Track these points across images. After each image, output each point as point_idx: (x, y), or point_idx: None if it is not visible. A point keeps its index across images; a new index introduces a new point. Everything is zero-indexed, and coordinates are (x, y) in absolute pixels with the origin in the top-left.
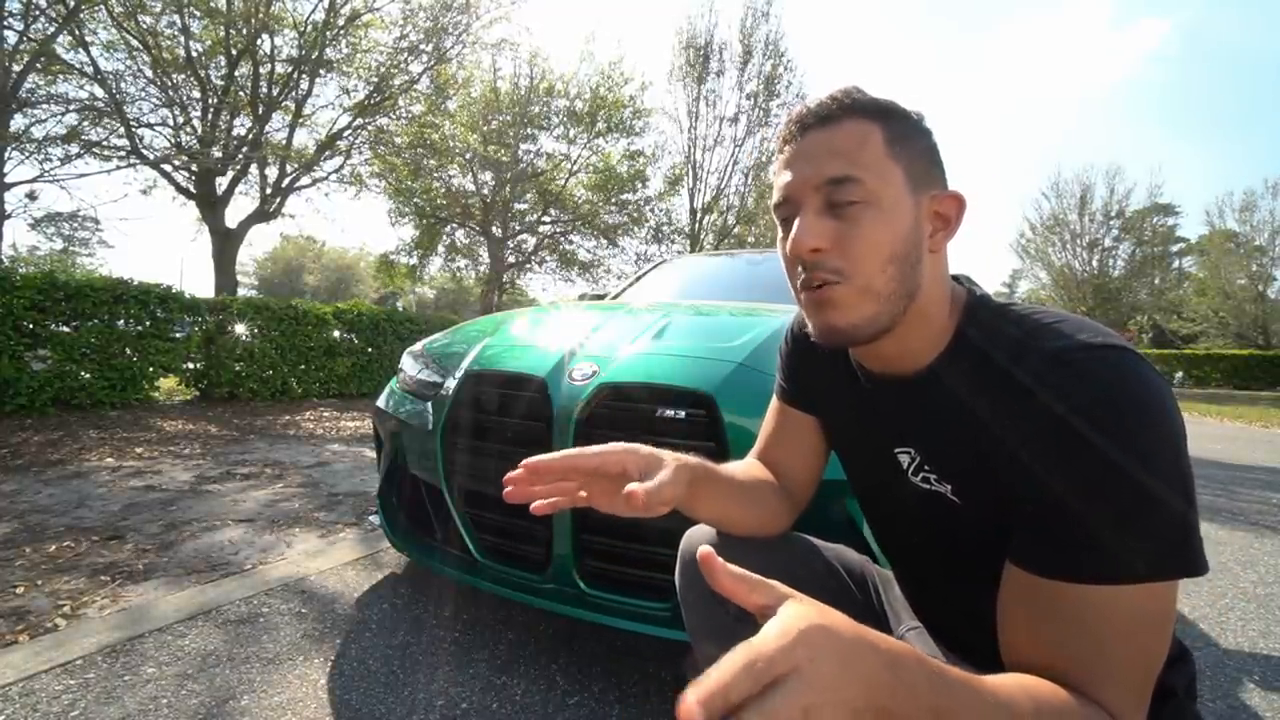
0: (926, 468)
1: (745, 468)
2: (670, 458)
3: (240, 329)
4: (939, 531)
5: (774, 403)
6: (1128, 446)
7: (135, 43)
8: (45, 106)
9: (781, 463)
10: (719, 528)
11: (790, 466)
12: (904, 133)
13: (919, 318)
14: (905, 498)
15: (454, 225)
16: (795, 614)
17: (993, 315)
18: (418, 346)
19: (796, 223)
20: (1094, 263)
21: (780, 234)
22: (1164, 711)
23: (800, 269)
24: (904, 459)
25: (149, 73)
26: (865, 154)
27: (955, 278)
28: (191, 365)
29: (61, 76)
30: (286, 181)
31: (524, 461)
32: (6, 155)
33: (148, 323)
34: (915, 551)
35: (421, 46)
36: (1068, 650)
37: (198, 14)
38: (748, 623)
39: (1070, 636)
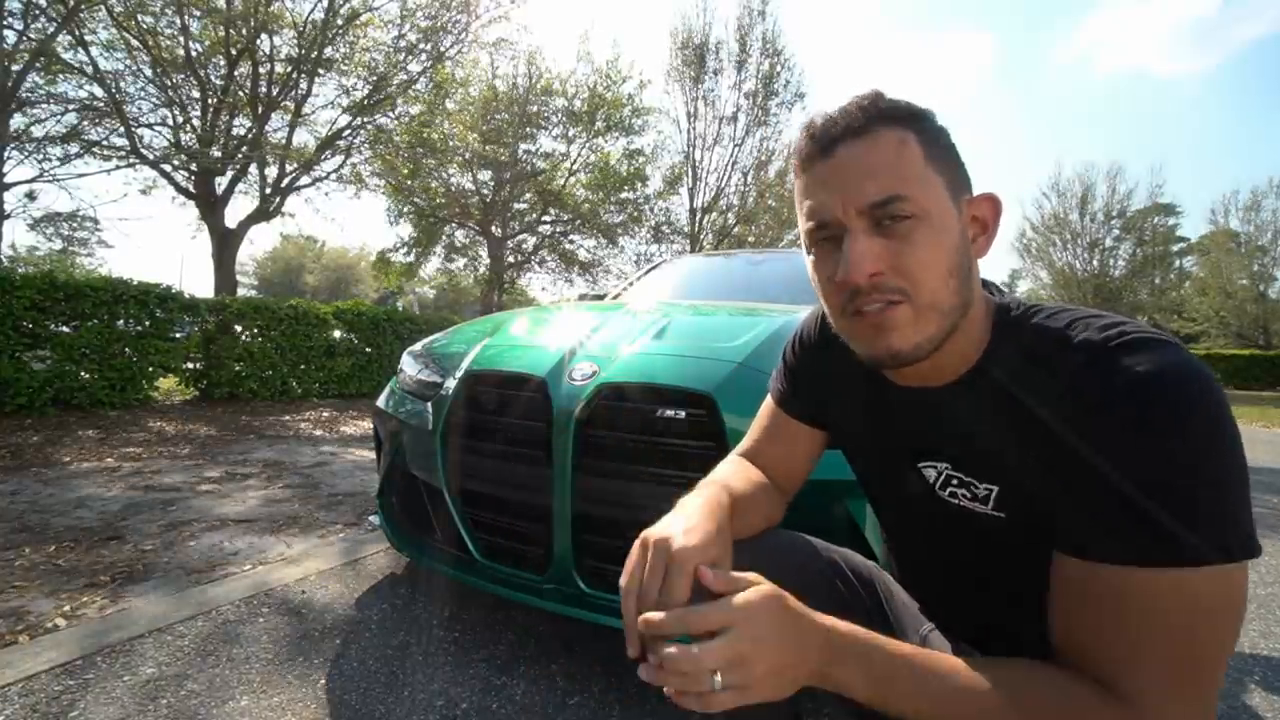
0: (956, 481)
1: (739, 473)
2: (715, 527)
3: (240, 329)
4: (965, 545)
5: (769, 405)
6: (1182, 430)
7: (135, 42)
8: (45, 106)
9: (772, 464)
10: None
11: (781, 470)
12: (935, 137)
13: (962, 327)
14: (930, 512)
15: (454, 225)
16: (752, 589)
17: (1025, 315)
18: (418, 346)
19: (847, 248)
20: (1095, 262)
21: (813, 255)
22: None
23: (849, 295)
24: (930, 473)
25: (149, 72)
26: (906, 167)
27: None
28: (191, 365)
29: (61, 76)
30: (286, 181)
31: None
32: (6, 155)
33: (147, 323)
34: (934, 563)
35: (420, 46)
36: (1099, 635)
37: (197, 13)
38: None
39: (1101, 621)
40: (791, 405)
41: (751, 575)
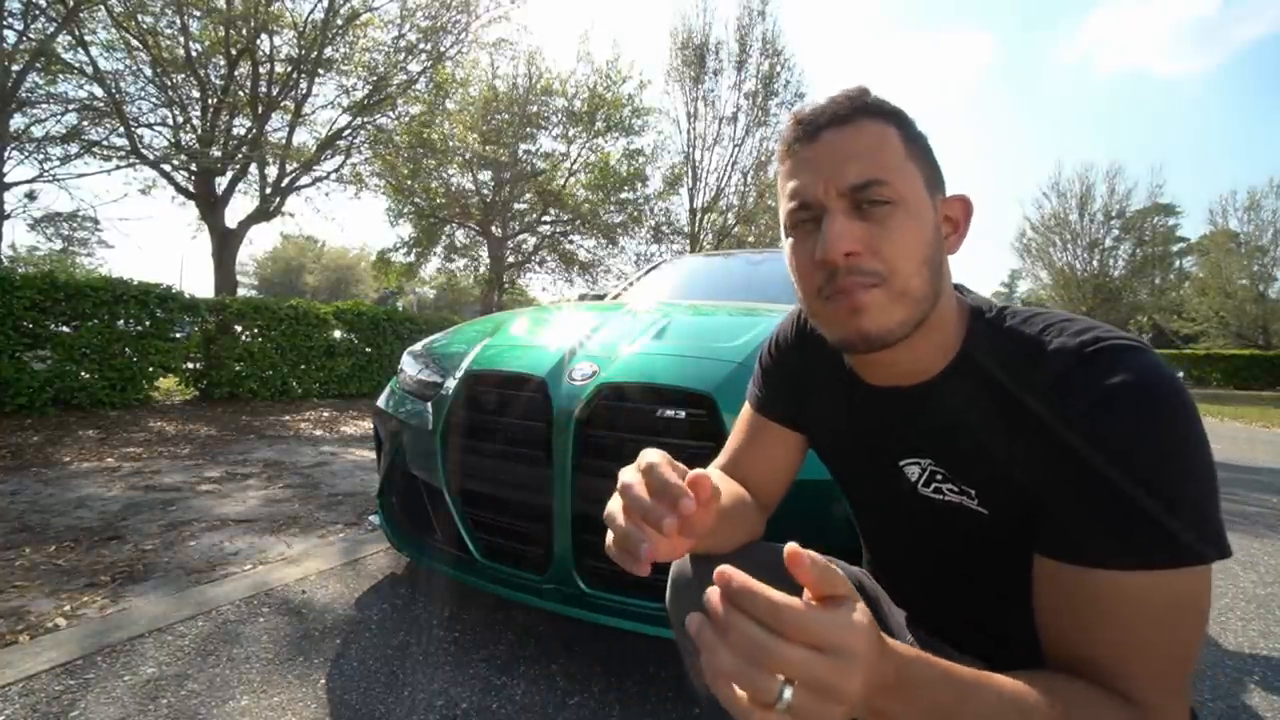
0: (940, 478)
1: (722, 485)
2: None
3: (240, 329)
4: (950, 542)
5: (746, 414)
6: (1159, 434)
7: (135, 42)
8: (45, 106)
9: (752, 476)
10: (705, 550)
11: (761, 479)
12: (915, 135)
13: (935, 324)
14: (913, 511)
15: (454, 225)
16: (860, 610)
17: (998, 318)
18: (418, 346)
19: (826, 227)
20: (1094, 262)
21: (791, 240)
22: None
23: (826, 276)
24: (913, 471)
25: (148, 72)
26: (887, 156)
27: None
28: (191, 365)
29: (61, 76)
30: (286, 181)
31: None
32: (6, 155)
33: (147, 323)
34: (918, 562)
35: (420, 46)
36: (1093, 640)
37: (197, 13)
38: None
39: (1096, 625)
40: (770, 408)
41: (837, 571)
